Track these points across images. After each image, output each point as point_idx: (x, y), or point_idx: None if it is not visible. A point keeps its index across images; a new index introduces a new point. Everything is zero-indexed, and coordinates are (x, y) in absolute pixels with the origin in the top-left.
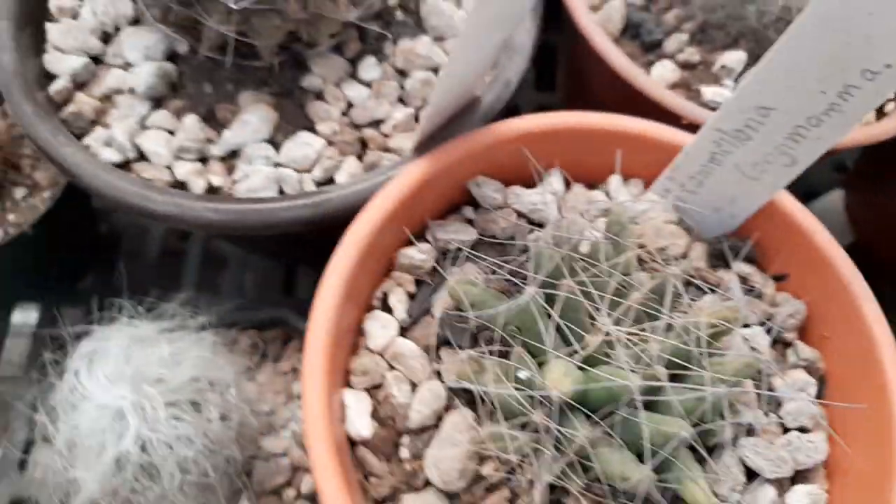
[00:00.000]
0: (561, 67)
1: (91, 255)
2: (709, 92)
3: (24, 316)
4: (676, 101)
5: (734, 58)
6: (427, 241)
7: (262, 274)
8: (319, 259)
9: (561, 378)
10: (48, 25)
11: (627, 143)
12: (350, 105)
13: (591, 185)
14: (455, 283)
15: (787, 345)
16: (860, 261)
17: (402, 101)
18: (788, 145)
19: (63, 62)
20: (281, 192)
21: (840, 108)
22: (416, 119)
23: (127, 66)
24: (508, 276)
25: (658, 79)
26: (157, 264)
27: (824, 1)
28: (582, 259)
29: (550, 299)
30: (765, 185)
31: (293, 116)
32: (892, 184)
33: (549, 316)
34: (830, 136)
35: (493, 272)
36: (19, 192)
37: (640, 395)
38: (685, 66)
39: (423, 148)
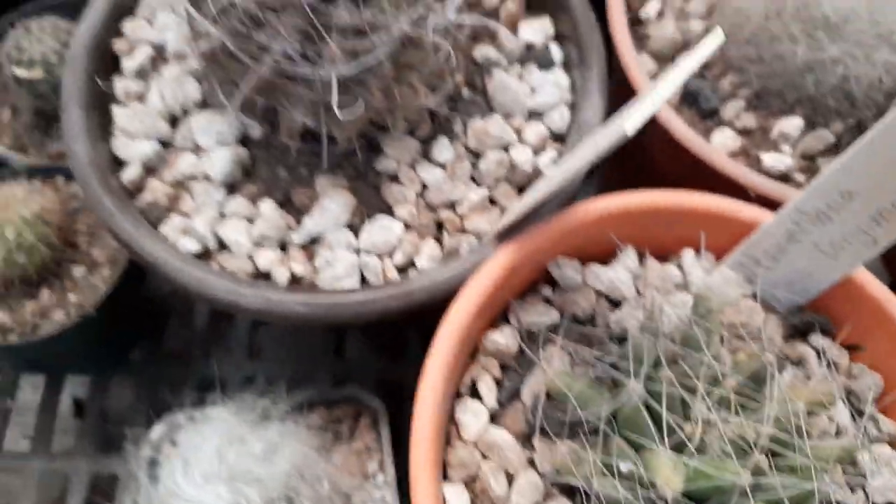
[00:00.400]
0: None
1: (141, 326)
2: (768, 158)
3: (77, 388)
4: (744, 173)
5: (792, 124)
6: (509, 324)
7: (309, 338)
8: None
9: (671, 475)
10: (115, 109)
11: (700, 219)
12: (425, 187)
13: (663, 258)
14: (554, 377)
15: (868, 417)
16: None
17: (474, 180)
18: (870, 227)
19: (132, 147)
20: (363, 278)
21: None
22: (491, 200)
23: (197, 149)
24: (600, 360)
25: (719, 146)
26: (205, 329)
27: None
28: (676, 348)
29: (648, 388)
30: (842, 263)
31: (370, 200)
32: None
33: (648, 405)
34: None
35: (588, 355)
36: (78, 271)
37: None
38: (743, 132)
39: (504, 233)
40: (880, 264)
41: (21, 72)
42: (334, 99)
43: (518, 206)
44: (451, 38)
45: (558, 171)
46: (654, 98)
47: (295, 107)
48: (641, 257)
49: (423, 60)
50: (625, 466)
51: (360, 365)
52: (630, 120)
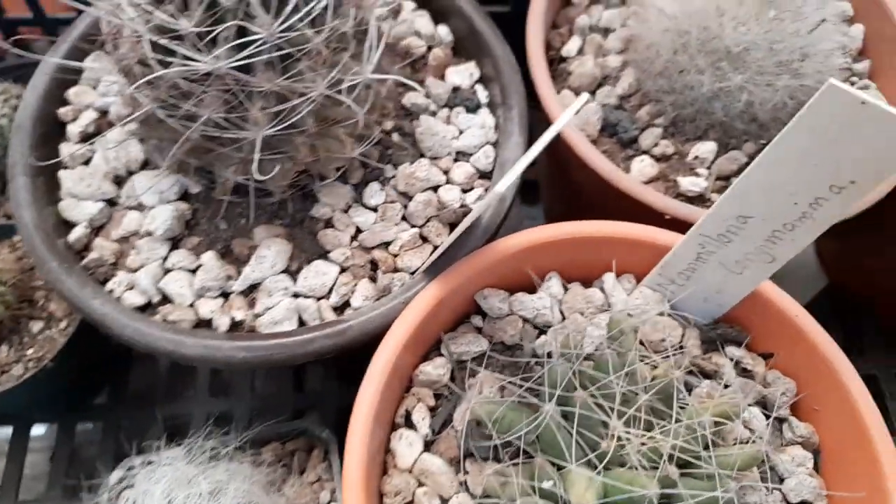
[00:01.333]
0: (541, 169)
1: (105, 371)
2: (685, 182)
3: (43, 435)
4: (658, 198)
5: (706, 148)
6: (441, 355)
7: (269, 373)
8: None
9: (584, 491)
10: (61, 173)
11: (618, 245)
12: (359, 230)
13: (586, 283)
14: (477, 405)
15: (782, 420)
16: (836, 302)
17: (406, 219)
18: (767, 246)
19: (79, 208)
20: (301, 320)
21: (811, 215)
22: (422, 237)
23: (141, 206)
24: (522, 385)
25: (638, 173)
26: (169, 370)
27: (795, 132)
28: (590, 371)
29: (565, 409)
30: (747, 279)
31: (306, 245)
32: (858, 226)
33: (566, 424)
34: (804, 237)
35: (508, 381)
36: (36, 326)
37: (657, 500)
38: (661, 158)
39: (432, 269)
40: (817, 266)
41: None
42: (256, 159)
43: (442, 246)
44: (373, 91)
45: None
46: (522, 161)
47: (226, 166)
48: (566, 283)
49: (345, 115)
50: (546, 485)
51: (320, 395)
52: (501, 183)
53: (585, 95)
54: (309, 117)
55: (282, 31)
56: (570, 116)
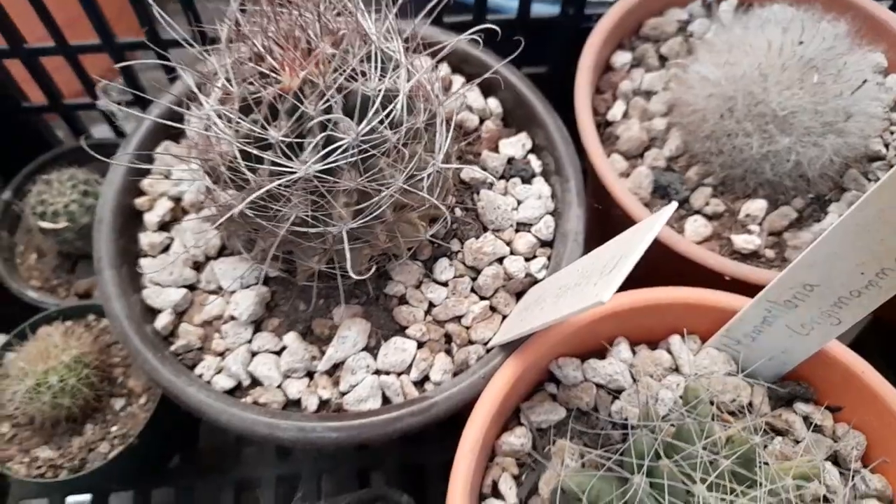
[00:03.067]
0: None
1: (178, 438)
2: (739, 240)
3: (119, 501)
4: (716, 260)
5: (756, 206)
6: (521, 424)
7: None
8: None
9: None
10: (143, 261)
11: (682, 309)
12: (432, 305)
13: (652, 345)
14: (567, 478)
15: (855, 473)
16: (882, 335)
17: (475, 292)
18: (833, 311)
19: (163, 295)
20: (384, 396)
21: (878, 284)
22: (491, 308)
23: (219, 289)
24: (605, 455)
25: (692, 233)
26: (234, 436)
27: (862, 210)
28: (672, 441)
29: (651, 479)
30: (814, 340)
31: (382, 322)
32: None
33: (653, 492)
34: (871, 303)
35: (586, 445)
36: (118, 403)
37: None
38: (713, 216)
39: (508, 344)
40: None
41: (47, 225)
42: (347, 252)
43: (518, 326)
44: (442, 176)
45: (548, 313)
46: (625, 267)
47: (309, 257)
48: (634, 347)
49: (419, 202)
50: None
51: (382, 453)
52: (606, 290)
53: (674, 204)
54: (388, 209)
55: (364, 135)
56: (662, 225)
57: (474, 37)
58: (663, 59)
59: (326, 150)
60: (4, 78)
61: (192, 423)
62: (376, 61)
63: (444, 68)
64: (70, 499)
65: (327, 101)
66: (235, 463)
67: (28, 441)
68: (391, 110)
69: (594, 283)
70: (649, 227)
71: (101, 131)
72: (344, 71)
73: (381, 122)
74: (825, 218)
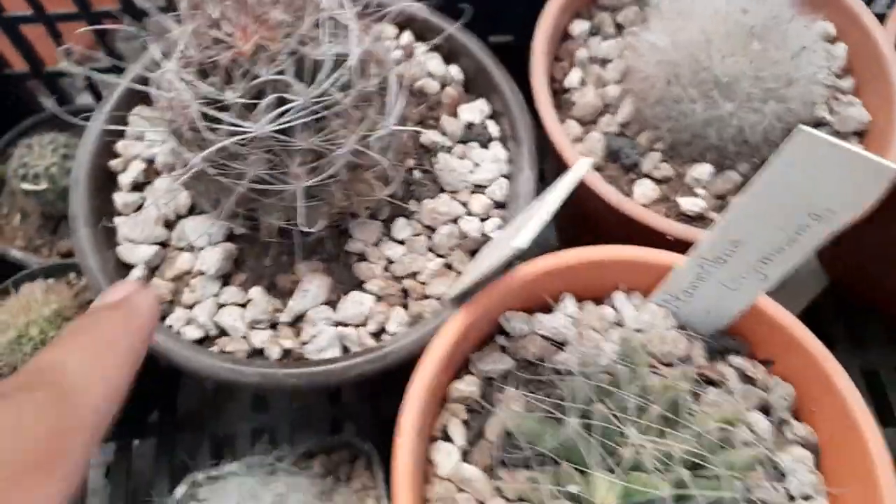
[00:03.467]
0: None
1: (156, 392)
2: (685, 202)
3: (102, 451)
4: (660, 221)
5: (702, 170)
6: (471, 373)
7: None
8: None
9: (605, 495)
10: (117, 220)
11: (625, 267)
12: (390, 261)
13: (598, 300)
14: (508, 419)
15: (783, 422)
16: (838, 302)
17: (431, 250)
18: (759, 266)
19: (136, 252)
20: (343, 347)
21: (797, 240)
22: (447, 265)
23: (191, 247)
24: (547, 400)
25: (641, 196)
26: (215, 389)
27: (773, 170)
28: (607, 386)
29: (586, 421)
30: (744, 294)
31: (343, 277)
32: (855, 226)
33: (588, 435)
34: (793, 258)
35: (531, 393)
36: None
37: (671, 500)
38: (662, 180)
39: (459, 297)
40: (818, 266)
41: (28, 186)
42: (301, 208)
43: (467, 278)
44: (396, 137)
45: (478, 263)
46: (542, 215)
47: (270, 214)
48: (580, 302)
49: (373, 162)
50: (572, 489)
51: (354, 406)
52: (523, 238)
53: (589, 160)
54: (342, 168)
55: (315, 97)
56: (581, 174)
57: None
58: (620, 28)
59: (280, 111)
60: None
61: (171, 378)
62: (325, 27)
63: (408, 36)
64: None
65: (279, 64)
66: (213, 417)
67: None
68: (341, 74)
69: (517, 232)
70: (569, 178)
71: (84, 99)
72: (295, 36)
73: (332, 85)
74: None
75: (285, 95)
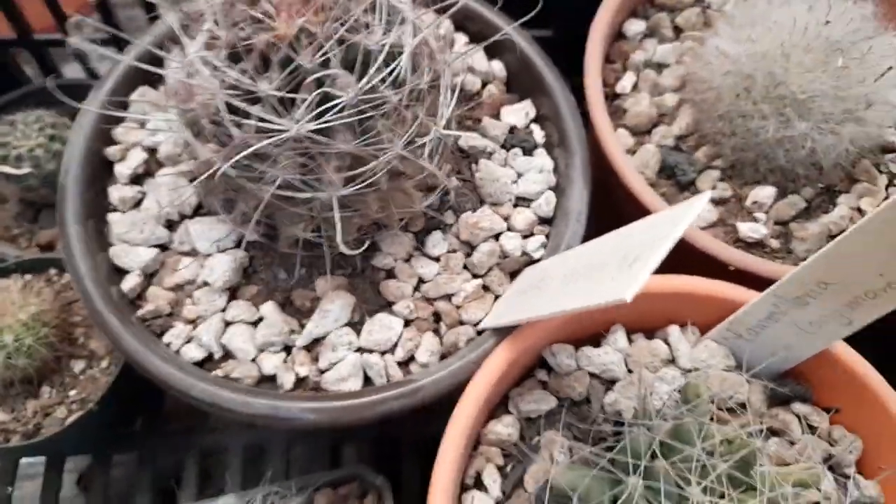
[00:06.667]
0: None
1: (140, 402)
2: (744, 227)
3: (77, 465)
4: (725, 250)
5: (765, 193)
6: (509, 413)
7: None
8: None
9: None
10: (111, 217)
11: (684, 299)
12: (422, 281)
13: (649, 334)
14: (558, 475)
15: (847, 477)
16: (873, 329)
17: (467, 268)
18: (845, 311)
19: (132, 255)
20: (366, 377)
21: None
22: (483, 287)
23: (194, 252)
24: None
25: (697, 218)
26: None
27: (880, 216)
28: (669, 441)
29: (646, 479)
30: (820, 338)
31: (369, 297)
32: None
33: (646, 494)
34: (886, 306)
35: (576, 438)
36: (78, 366)
37: None
38: (718, 202)
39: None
40: None
41: (9, 169)
42: (337, 220)
43: (513, 313)
44: (442, 143)
45: (553, 301)
46: (651, 261)
47: (293, 223)
48: (630, 336)
49: (417, 170)
50: None
51: (354, 427)
52: (629, 287)
53: (707, 195)
54: (383, 176)
55: (363, 94)
56: (699, 211)
57: None
58: (678, 31)
59: (321, 108)
60: None
61: (154, 388)
62: (381, 13)
63: (446, 25)
64: (25, 460)
65: (325, 53)
66: (201, 429)
67: None
68: (395, 68)
69: (612, 276)
70: (679, 218)
71: (72, 70)
72: (346, 21)
73: (383, 80)
74: (834, 210)
75: (333, 91)
